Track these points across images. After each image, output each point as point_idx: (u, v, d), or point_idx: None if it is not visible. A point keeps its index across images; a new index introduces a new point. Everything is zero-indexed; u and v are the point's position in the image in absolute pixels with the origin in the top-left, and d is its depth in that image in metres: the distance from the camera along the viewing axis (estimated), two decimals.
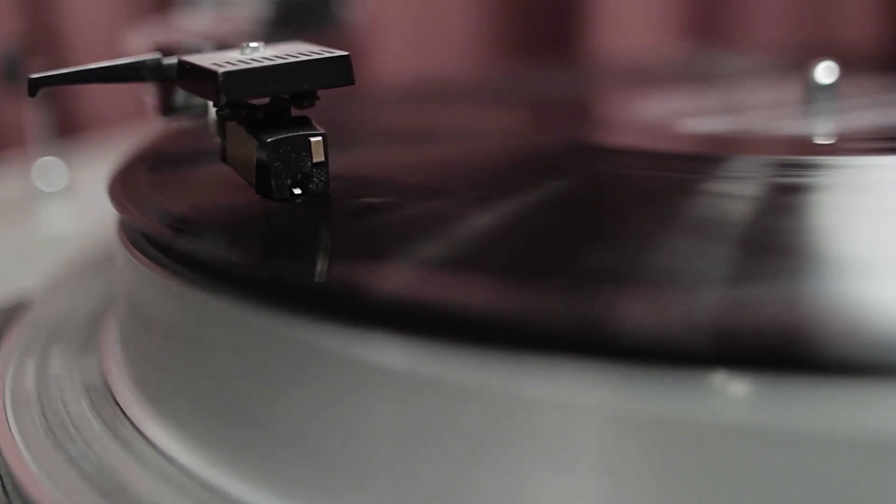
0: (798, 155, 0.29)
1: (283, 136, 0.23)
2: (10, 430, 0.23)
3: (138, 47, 0.32)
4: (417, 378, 0.17)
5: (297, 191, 0.24)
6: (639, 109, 0.38)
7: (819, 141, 0.33)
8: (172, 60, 0.24)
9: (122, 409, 0.23)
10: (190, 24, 0.40)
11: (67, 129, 0.62)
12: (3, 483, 0.21)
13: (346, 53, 0.23)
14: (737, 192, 0.25)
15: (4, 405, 0.24)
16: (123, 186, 0.27)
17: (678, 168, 0.27)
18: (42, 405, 0.24)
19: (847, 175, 0.26)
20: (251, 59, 0.23)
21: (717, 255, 0.20)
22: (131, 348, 0.25)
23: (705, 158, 0.28)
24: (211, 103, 0.26)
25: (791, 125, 0.34)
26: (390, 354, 0.18)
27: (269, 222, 0.23)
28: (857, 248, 0.20)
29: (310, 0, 0.47)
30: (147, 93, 0.29)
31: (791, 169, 0.27)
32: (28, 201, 0.45)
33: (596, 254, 0.20)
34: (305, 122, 0.24)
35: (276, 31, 0.41)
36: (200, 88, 0.23)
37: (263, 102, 0.24)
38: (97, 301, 0.30)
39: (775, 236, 0.21)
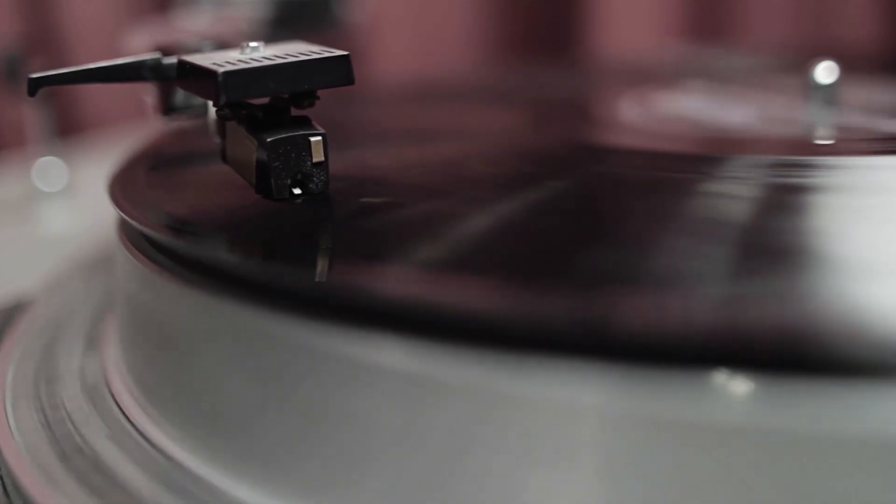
0: (798, 155, 0.29)
1: (283, 135, 0.23)
2: (10, 430, 0.23)
3: (138, 47, 0.32)
4: (418, 378, 0.17)
5: (297, 191, 0.24)
6: (639, 109, 0.38)
7: (819, 141, 0.33)
8: (172, 60, 0.24)
9: (121, 409, 0.23)
10: (190, 24, 0.40)
11: (67, 129, 0.62)
12: (3, 483, 0.21)
13: (346, 53, 0.23)
14: (737, 192, 0.25)
15: (5, 405, 0.24)
16: (123, 186, 0.27)
17: (678, 168, 0.27)
18: (42, 405, 0.24)
19: (847, 175, 0.26)
20: (251, 59, 0.23)
21: (717, 256, 0.20)
22: (131, 348, 0.25)
23: (705, 158, 0.28)
24: (211, 103, 0.26)
25: (791, 125, 0.34)
26: (390, 355, 0.18)
27: (268, 222, 0.23)
28: (857, 248, 0.20)
29: (310, 0, 0.47)
30: (147, 93, 0.29)
31: (791, 169, 0.27)
32: (28, 201, 0.45)
33: (596, 254, 0.20)
34: (305, 122, 0.24)
35: (276, 31, 0.41)
36: (200, 88, 0.23)
37: (263, 102, 0.24)
38: (97, 301, 0.30)
39: (775, 237, 0.21)
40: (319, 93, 0.24)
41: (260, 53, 0.24)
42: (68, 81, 0.24)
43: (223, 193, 0.25)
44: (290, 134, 0.23)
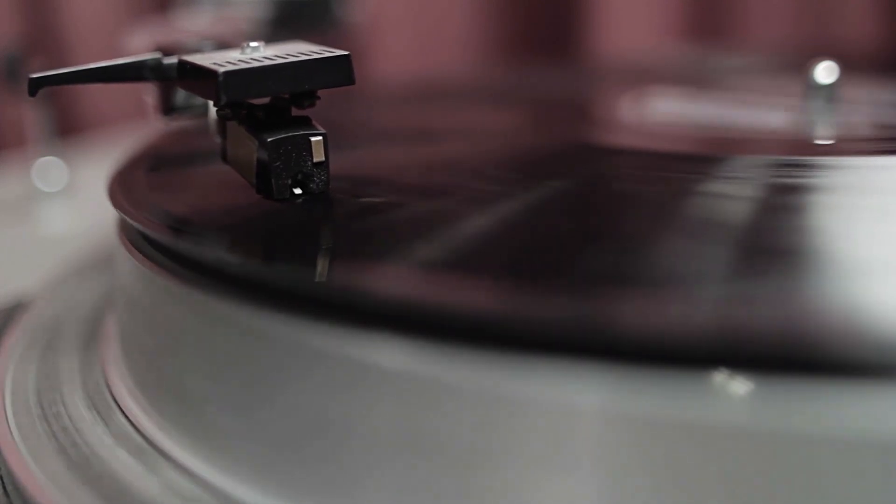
0: (798, 155, 0.29)
1: (284, 135, 0.23)
2: (10, 430, 0.23)
3: (138, 47, 0.32)
4: (417, 378, 0.17)
5: (298, 190, 0.24)
6: (639, 109, 0.38)
7: (819, 141, 0.33)
8: (173, 60, 0.24)
9: (121, 409, 0.23)
10: (190, 24, 0.40)
11: (67, 129, 0.62)
12: (3, 483, 0.21)
13: (346, 53, 0.23)
14: (736, 193, 0.25)
15: (4, 405, 0.24)
16: (123, 186, 0.27)
17: (678, 168, 0.27)
18: (42, 405, 0.24)
19: (847, 175, 0.26)
20: (251, 59, 0.23)
21: (717, 256, 0.20)
22: (131, 348, 0.25)
23: (705, 158, 0.28)
24: (211, 103, 0.26)
25: (791, 125, 0.34)
26: (390, 355, 0.18)
27: (269, 222, 0.23)
28: (856, 248, 0.20)
29: (310, 0, 0.47)
30: (147, 93, 0.29)
31: (791, 169, 0.27)
32: (28, 201, 0.45)
33: (596, 254, 0.20)
34: (306, 122, 0.24)
35: (276, 31, 0.41)
36: (201, 88, 0.23)
37: (264, 102, 0.24)
38: (97, 301, 0.30)
39: (775, 236, 0.21)
40: (320, 93, 0.24)
41: (260, 53, 0.24)
42: (69, 81, 0.24)
43: (223, 193, 0.25)
44: (290, 134, 0.23)
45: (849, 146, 0.31)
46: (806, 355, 0.15)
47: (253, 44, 0.24)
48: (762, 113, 0.36)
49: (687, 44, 0.70)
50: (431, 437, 0.17)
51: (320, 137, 0.24)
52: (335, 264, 0.21)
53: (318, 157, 0.24)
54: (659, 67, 0.52)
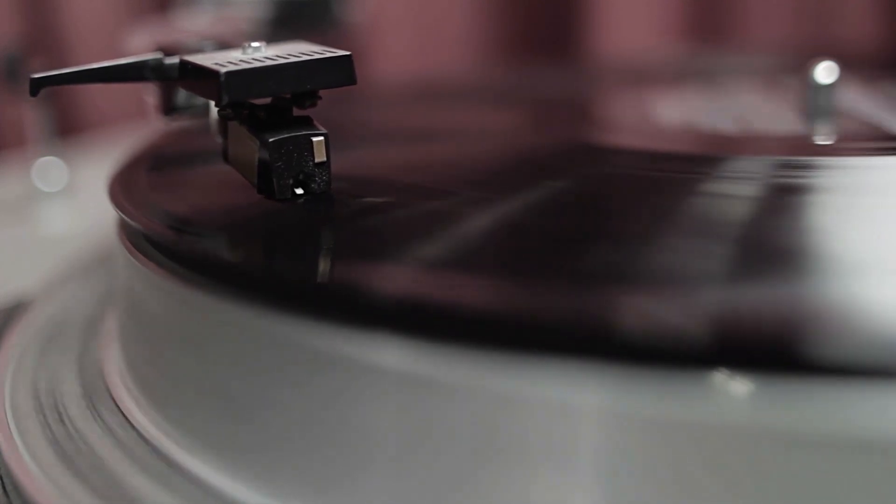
0: (798, 155, 0.29)
1: (285, 135, 0.23)
2: (10, 430, 0.23)
3: (139, 47, 0.33)
4: (417, 379, 0.17)
5: (299, 191, 0.24)
6: (639, 109, 0.38)
7: (819, 141, 0.33)
8: (174, 60, 0.24)
9: (121, 410, 0.23)
10: (190, 24, 0.40)
11: (67, 129, 0.62)
12: (3, 483, 0.21)
13: (347, 53, 0.23)
14: (737, 192, 0.25)
15: (4, 405, 0.24)
16: (123, 186, 0.27)
17: (678, 168, 0.27)
18: (42, 405, 0.24)
19: (847, 175, 0.26)
20: (253, 59, 0.23)
21: (717, 256, 0.20)
22: (131, 348, 0.25)
23: (705, 158, 0.28)
24: (212, 103, 0.26)
25: (791, 125, 0.34)
26: (390, 355, 0.18)
27: (270, 222, 0.23)
28: (856, 248, 0.20)
29: (310, 0, 0.47)
30: (148, 93, 0.29)
31: (791, 169, 0.27)
32: (28, 201, 0.45)
33: (596, 254, 0.20)
34: (307, 122, 0.24)
35: (276, 31, 0.41)
36: (202, 88, 0.23)
37: (265, 102, 0.24)
38: (97, 301, 0.30)
39: (775, 236, 0.21)
40: (321, 93, 0.24)
41: (262, 53, 0.24)
42: (70, 81, 0.24)
43: (224, 193, 0.25)
44: (292, 134, 0.23)
45: (849, 146, 0.31)
46: (806, 355, 0.15)
47: (254, 44, 0.24)
48: (762, 113, 0.36)
49: (687, 44, 0.70)
50: (430, 437, 0.17)
51: (322, 137, 0.24)
52: (336, 264, 0.21)
53: (320, 157, 0.24)
54: (659, 68, 0.52)
